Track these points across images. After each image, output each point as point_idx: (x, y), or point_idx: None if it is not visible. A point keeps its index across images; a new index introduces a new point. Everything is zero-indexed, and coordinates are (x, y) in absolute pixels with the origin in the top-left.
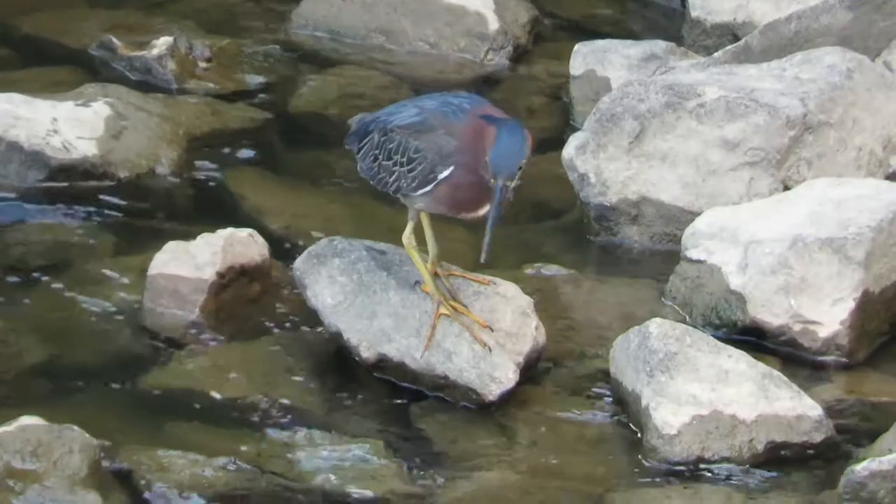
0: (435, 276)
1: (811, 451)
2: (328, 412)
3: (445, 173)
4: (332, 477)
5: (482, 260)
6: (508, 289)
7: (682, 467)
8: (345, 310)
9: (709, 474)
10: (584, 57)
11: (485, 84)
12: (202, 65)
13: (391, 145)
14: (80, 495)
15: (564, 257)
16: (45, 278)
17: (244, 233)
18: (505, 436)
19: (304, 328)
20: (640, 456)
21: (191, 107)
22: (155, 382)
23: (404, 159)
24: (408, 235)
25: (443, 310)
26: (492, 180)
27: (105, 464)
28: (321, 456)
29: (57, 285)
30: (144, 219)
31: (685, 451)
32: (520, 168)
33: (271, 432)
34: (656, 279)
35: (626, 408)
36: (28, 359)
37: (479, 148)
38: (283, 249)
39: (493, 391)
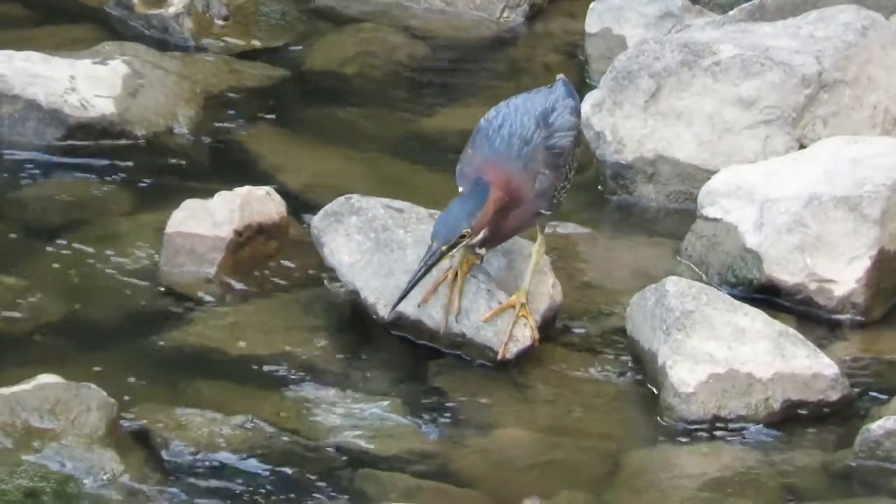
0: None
1: (827, 410)
2: (346, 370)
3: None
4: (350, 435)
5: (387, 314)
6: (525, 246)
7: (698, 426)
8: (362, 268)
9: (725, 433)
10: (600, 15)
11: (501, 42)
12: (219, 23)
13: None
14: (98, 453)
15: (581, 215)
16: (62, 236)
17: (261, 190)
18: (521, 394)
19: (322, 286)
20: (656, 414)
21: (208, 65)
22: (172, 340)
23: None
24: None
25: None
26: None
27: (123, 422)
28: (338, 414)
29: (74, 243)
30: (162, 177)
31: (701, 409)
32: (461, 237)
33: (289, 390)
34: (672, 237)
35: (643, 366)
36: (46, 317)
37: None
38: (301, 207)
39: (510, 349)
